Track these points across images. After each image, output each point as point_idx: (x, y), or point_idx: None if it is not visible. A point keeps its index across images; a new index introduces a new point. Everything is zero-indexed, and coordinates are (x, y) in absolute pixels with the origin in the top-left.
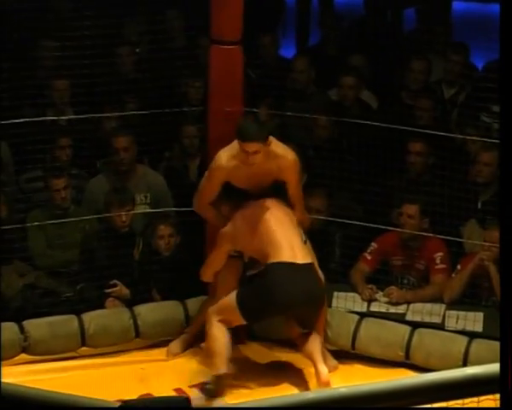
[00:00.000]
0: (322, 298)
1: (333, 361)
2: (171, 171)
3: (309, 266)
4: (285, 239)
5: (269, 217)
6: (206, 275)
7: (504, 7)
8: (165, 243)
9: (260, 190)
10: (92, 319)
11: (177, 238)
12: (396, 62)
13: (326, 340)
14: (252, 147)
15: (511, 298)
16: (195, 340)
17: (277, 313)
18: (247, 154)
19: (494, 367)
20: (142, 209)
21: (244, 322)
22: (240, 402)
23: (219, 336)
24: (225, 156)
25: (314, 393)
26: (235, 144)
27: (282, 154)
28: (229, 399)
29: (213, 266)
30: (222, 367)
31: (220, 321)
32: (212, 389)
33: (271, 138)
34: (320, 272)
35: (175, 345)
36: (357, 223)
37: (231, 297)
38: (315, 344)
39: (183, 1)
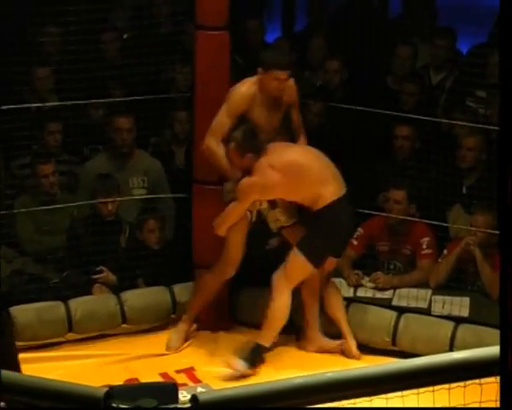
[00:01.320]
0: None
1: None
2: (157, 157)
3: (346, 195)
4: (329, 172)
5: (302, 158)
6: (222, 229)
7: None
8: (155, 236)
9: (272, 129)
10: (79, 304)
11: (166, 231)
12: (382, 48)
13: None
14: (284, 74)
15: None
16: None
17: (339, 247)
18: (280, 81)
19: (480, 352)
20: (138, 193)
21: (314, 270)
22: (221, 388)
23: (283, 307)
24: (245, 85)
25: (301, 378)
26: (250, 79)
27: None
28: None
29: (231, 219)
30: (269, 341)
31: (288, 286)
32: (257, 357)
33: None
34: None
35: (175, 339)
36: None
37: (295, 254)
38: (340, 305)
39: None
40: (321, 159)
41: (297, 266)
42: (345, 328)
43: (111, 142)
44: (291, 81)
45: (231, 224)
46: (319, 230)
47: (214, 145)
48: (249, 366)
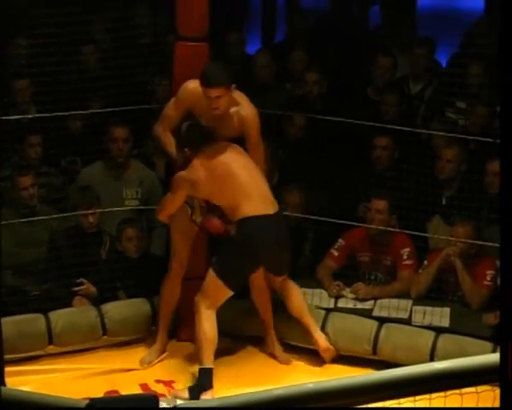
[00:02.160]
0: (289, 244)
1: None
2: None
3: (279, 213)
4: (255, 189)
5: (235, 165)
6: (162, 215)
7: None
8: (133, 245)
9: (221, 138)
10: (59, 317)
11: (146, 240)
12: (362, 58)
13: (291, 337)
14: (215, 92)
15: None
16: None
17: (257, 267)
18: (211, 99)
19: (461, 362)
20: (131, 204)
21: (231, 292)
22: (201, 400)
23: (207, 328)
24: (194, 83)
25: (282, 390)
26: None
27: (243, 103)
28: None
29: (168, 208)
30: (209, 362)
31: (209, 307)
32: (199, 385)
33: (234, 87)
34: None
35: (148, 355)
36: (325, 219)
37: (210, 275)
38: (300, 300)
39: None
40: (254, 175)
41: (213, 288)
42: (310, 323)
43: (107, 152)
44: (250, 112)
45: (169, 211)
46: (233, 246)
47: (160, 132)
48: (197, 391)
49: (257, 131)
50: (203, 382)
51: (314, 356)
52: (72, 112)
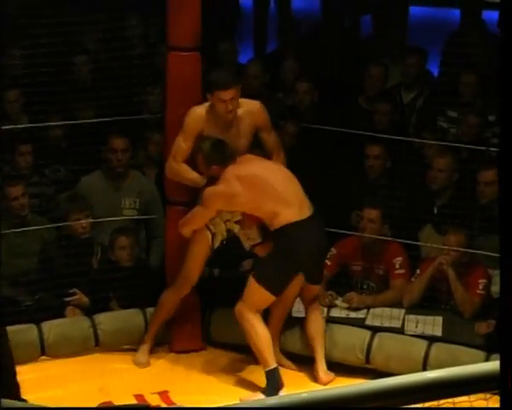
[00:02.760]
0: (327, 246)
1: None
2: None
3: (314, 216)
4: (292, 194)
5: (267, 173)
6: (185, 229)
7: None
8: (126, 253)
9: (236, 150)
10: (52, 327)
11: (139, 249)
12: (353, 68)
13: (287, 346)
14: (230, 94)
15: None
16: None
17: (298, 271)
18: (225, 102)
19: (454, 371)
20: (129, 213)
21: (273, 297)
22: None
23: (260, 330)
24: (199, 108)
25: (274, 399)
26: (206, 103)
27: (244, 101)
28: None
29: (195, 223)
30: (272, 361)
31: (254, 312)
32: (272, 386)
33: None
34: None
35: (141, 357)
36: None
37: (251, 283)
38: (320, 324)
39: (143, 8)
40: (287, 180)
41: (255, 295)
42: (318, 353)
43: (106, 161)
44: (256, 104)
45: (195, 227)
46: (274, 253)
47: (175, 167)
48: (273, 392)
49: (267, 118)
50: (274, 382)
51: (307, 365)
52: (64, 122)
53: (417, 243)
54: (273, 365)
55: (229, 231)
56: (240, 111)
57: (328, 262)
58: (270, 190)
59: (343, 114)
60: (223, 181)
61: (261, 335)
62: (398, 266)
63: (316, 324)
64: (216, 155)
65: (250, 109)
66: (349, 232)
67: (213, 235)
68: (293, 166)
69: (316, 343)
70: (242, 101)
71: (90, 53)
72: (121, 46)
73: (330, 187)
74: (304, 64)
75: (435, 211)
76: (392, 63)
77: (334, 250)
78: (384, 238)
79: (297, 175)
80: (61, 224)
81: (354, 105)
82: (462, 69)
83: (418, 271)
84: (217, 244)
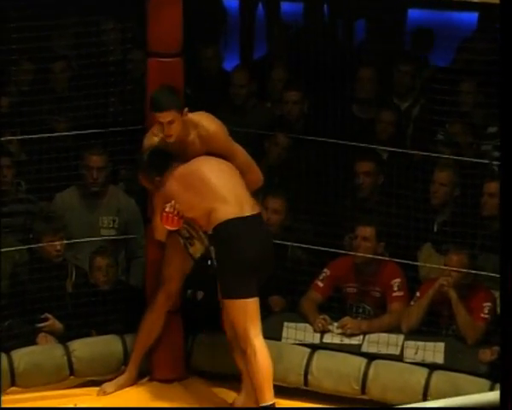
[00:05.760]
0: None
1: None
2: None
3: (258, 216)
4: (231, 192)
5: (206, 169)
6: (159, 235)
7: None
8: (102, 274)
9: None
10: (22, 356)
11: (116, 270)
12: (346, 74)
13: (275, 377)
14: (165, 116)
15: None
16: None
17: (252, 266)
18: (162, 124)
19: (456, 401)
20: (107, 233)
21: (254, 299)
22: None
23: (262, 360)
24: (149, 133)
25: None
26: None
27: (201, 122)
28: None
29: (158, 228)
30: (270, 397)
31: (254, 333)
32: None
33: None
34: None
35: (109, 386)
36: (309, 246)
37: (228, 305)
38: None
39: (119, 12)
40: (229, 177)
41: (237, 311)
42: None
43: (81, 178)
44: (210, 128)
45: (160, 232)
46: (221, 258)
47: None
48: None
49: (225, 142)
50: None
51: (298, 397)
52: (38, 135)
53: (416, 264)
54: (270, 401)
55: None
56: (192, 135)
57: (321, 284)
58: (207, 187)
59: (336, 123)
60: (163, 184)
61: (261, 366)
62: (395, 288)
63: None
64: (153, 166)
65: (202, 134)
66: (342, 251)
67: (187, 240)
68: (282, 180)
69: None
70: (199, 123)
71: (66, 59)
72: (94, 53)
73: (322, 203)
74: (293, 72)
75: (435, 228)
76: (387, 69)
77: (327, 271)
78: (379, 258)
79: (287, 189)
80: (34, 245)
81: (347, 114)
82: (465, 76)
83: (417, 293)
84: (197, 254)
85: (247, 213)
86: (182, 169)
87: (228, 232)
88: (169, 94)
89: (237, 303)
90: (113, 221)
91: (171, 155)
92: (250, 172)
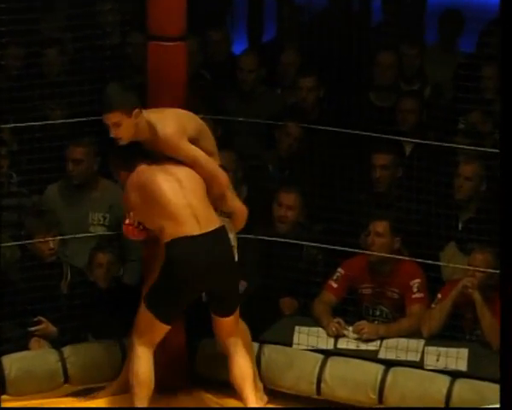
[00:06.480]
0: (235, 267)
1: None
2: None
3: (214, 232)
4: (184, 208)
5: (162, 182)
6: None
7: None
8: (103, 272)
9: None
10: (13, 362)
11: (118, 267)
12: (363, 60)
13: (285, 385)
14: (110, 118)
15: None
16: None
17: (188, 294)
18: (109, 125)
19: None
20: (97, 230)
21: (164, 326)
22: None
23: (141, 368)
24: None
25: None
26: None
27: (156, 125)
28: None
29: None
30: (142, 402)
31: (143, 344)
32: None
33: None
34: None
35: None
36: (322, 245)
37: (140, 308)
38: (245, 371)
39: None
40: (187, 192)
41: (144, 321)
42: (248, 400)
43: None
44: (163, 130)
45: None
46: (162, 273)
47: None
48: None
49: (180, 149)
50: None
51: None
52: (43, 122)
53: (438, 263)
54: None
55: None
56: (149, 137)
57: (335, 285)
58: (160, 203)
59: (351, 113)
60: (125, 189)
61: (138, 374)
62: (415, 290)
63: (240, 367)
64: (120, 160)
65: (155, 138)
66: (355, 250)
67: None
68: (293, 173)
69: (243, 391)
70: (155, 125)
71: (60, 43)
72: (91, 35)
73: (336, 198)
74: (307, 56)
75: (460, 226)
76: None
77: (341, 271)
78: (397, 257)
79: (299, 184)
80: (26, 242)
81: (365, 102)
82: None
83: (439, 295)
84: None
85: (197, 232)
86: (143, 178)
87: (170, 253)
88: (118, 93)
89: (149, 317)
90: (104, 218)
91: (141, 152)
92: (214, 183)
